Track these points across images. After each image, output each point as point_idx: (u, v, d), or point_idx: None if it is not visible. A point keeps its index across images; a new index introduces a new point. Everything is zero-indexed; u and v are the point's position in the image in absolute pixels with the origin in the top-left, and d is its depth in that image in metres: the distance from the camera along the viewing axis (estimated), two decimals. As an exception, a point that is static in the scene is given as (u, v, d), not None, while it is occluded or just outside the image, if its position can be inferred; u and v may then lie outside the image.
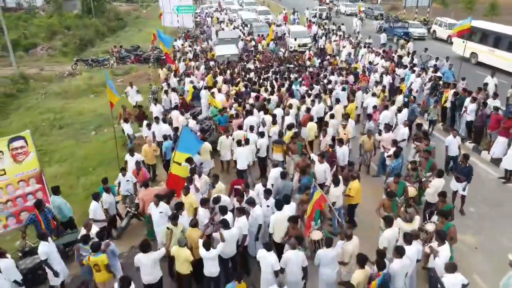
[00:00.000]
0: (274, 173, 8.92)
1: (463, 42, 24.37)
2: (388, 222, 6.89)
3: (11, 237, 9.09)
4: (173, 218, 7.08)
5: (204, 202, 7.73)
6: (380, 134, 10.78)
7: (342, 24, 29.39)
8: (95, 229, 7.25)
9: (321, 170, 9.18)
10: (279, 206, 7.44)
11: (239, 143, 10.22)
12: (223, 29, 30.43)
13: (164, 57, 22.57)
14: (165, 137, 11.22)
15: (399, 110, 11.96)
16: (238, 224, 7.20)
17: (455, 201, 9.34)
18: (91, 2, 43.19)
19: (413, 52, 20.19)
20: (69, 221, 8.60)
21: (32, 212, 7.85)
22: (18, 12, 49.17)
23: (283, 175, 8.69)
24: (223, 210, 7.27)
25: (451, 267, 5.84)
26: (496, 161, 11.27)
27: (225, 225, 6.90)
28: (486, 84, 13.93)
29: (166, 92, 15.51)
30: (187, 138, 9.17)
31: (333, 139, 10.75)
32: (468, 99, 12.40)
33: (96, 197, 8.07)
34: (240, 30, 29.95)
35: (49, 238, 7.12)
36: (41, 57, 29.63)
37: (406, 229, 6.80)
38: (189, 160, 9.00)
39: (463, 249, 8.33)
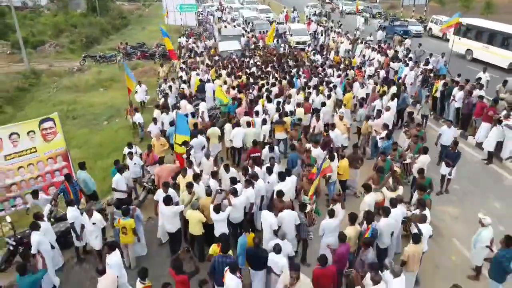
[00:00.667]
0: (265, 149, 10.11)
1: (459, 39, 25.44)
2: (367, 189, 7.91)
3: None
4: (189, 187, 8.07)
5: (213, 175, 8.72)
6: (372, 120, 11.74)
7: (339, 21, 30.36)
8: (96, 215, 7.83)
9: (316, 154, 10.03)
10: (282, 177, 8.42)
11: (236, 125, 11.46)
12: (225, 26, 31.39)
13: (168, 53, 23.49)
14: (171, 123, 12.16)
15: (392, 98, 12.94)
16: (246, 193, 8.17)
17: (443, 183, 10.25)
18: (95, 1, 44.15)
19: (407, 48, 21.13)
20: (93, 193, 9.59)
21: (62, 184, 8.83)
22: (24, 11, 50.19)
23: (271, 149, 9.89)
24: (233, 180, 8.27)
25: (422, 219, 6.86)
26: (481, 145, 12.23)
27: (234, 193, 7.88)
28: (479, 79, 14.74)
29: (170, 87, 16.38)
30: (181, 122, 10.16)
31: (326, 124, 11.77)
32: (456, 88, 13.38)
33: (119, 170, 9.01)
34: (243, 27, 30.90)
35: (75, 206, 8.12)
36: (49, 54, 30.59)
37: (391, 196, 7.77)
38: (185, 143, 9.85)
39: (446, 219, 9.33)
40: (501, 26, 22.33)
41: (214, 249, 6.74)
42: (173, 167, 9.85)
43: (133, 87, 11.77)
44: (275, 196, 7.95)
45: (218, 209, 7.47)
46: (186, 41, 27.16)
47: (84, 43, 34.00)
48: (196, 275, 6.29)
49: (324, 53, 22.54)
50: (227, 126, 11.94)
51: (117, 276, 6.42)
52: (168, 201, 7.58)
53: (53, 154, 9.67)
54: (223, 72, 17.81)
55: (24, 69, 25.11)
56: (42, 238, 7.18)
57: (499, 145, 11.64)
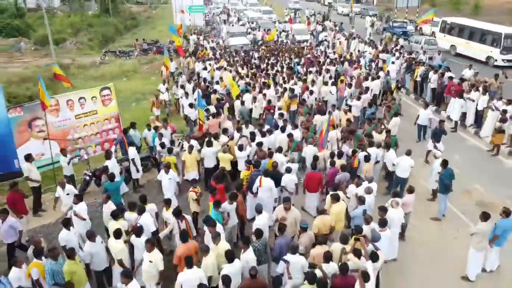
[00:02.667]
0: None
1: (444, 36, 28.12)
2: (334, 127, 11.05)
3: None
4: (216, 137, 10.77)
5: (238, 129, 11.38)
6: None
7: (341, 22, 33.23)
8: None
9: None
10: (283, 130, 11.10)
11: (247, 91, 14.80)
12: (232, 25, 34.23)
13: (185, 48, 26.18)
14: (191, 105, 14.73)
15: (373, 79, 15.77)
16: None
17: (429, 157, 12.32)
18: (109, 3, 47.03)
19: (396, 44, 23.93)
20: (141, 146, 12.22)
21: (119, 136, 11.47)
22: (38, 12, 53.09)
23: (281, 115, 12.72)
24: (252, 134, 10.95)
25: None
26: (450, 118, 14.88)
27: (253, 138, 10.55)
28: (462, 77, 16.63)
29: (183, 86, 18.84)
30: (200, 100, 12.99)
31: (325, 101, 14.54)
32: (431, 72, 16.10)
33: (155, 129, 11.70)
34: (249, 27, 33.78)
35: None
36: (71, 50, 33.35)
37: (377, 137, 10.56)
38: (207, 110, 12.73)
39: (416, 166, 11.77)
40: (479, 24, 25.11)
41: (244, 173, 9.34)
42: (218, 121, 12.68)
43: (169, 65, 14.48)
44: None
45: (241, 147, 10.14)
46: (198, 38, 29.90)
47: (101, 41, 36.79)
48: (229, 190, 8.88)
49: (324, 48, 25.27)
50: (236, 102, 14.68)
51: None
52: (210, 144, 10.28)
53: (108, 116, 12.34)
54: (224, 63, 20.60)
55: (51, 62, 27.77)
56: (115, 164, 9.83)
57: (465, 116, 14.33)
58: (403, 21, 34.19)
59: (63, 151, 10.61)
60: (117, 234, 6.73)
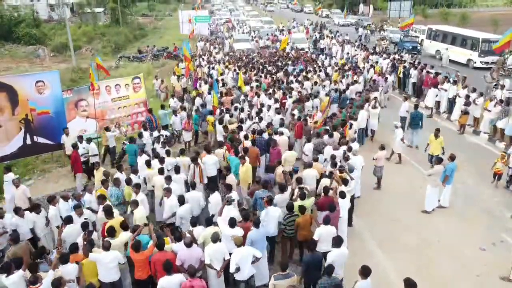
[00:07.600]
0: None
1: (430, 42, 30.75)
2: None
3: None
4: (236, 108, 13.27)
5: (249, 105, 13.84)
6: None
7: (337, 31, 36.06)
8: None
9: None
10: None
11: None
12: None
13: (191, 54, 28.77)
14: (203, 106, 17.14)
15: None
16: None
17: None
18: (119, 13, 50.07)
19: (386, 47, 26.57)
20: (166, 125, 14.55)
21: (148, 116, 13.83)
22: (50, 24, 56.14)
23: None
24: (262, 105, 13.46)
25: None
26: (427, 106, 17.31)
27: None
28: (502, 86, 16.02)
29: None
30: (216, 86, 15.42)
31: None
32: (411, 68, 18.62)
33: (173, 112, 14.12)
34: (253, 35, 36.68)
35: None
36: (87, 56, 35.98)
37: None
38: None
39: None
40: (460, 30, 27.81)
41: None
42: (230, 98, 15.23)
43: (189, 56, 17.05)
44: None
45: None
46: (205, 44, 32.65)
47: (113, 48, 39.52)
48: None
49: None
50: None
51: None
52: (221, 121, 12.63)
53: (138, 101, 14.75)
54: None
55: (72, 66, 30.39)
56: (147, 135, 12.20)
57: (439, 104, 16.77)
58: (415, 36, 33.29)
59: (107, 128, 12.89)
60: (161, 171, 9.12)
